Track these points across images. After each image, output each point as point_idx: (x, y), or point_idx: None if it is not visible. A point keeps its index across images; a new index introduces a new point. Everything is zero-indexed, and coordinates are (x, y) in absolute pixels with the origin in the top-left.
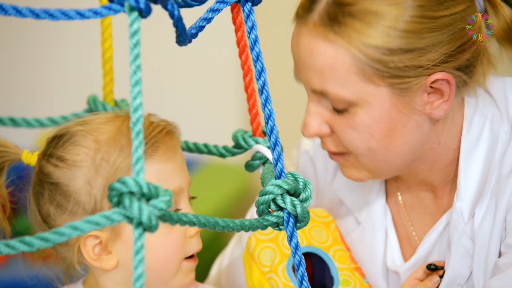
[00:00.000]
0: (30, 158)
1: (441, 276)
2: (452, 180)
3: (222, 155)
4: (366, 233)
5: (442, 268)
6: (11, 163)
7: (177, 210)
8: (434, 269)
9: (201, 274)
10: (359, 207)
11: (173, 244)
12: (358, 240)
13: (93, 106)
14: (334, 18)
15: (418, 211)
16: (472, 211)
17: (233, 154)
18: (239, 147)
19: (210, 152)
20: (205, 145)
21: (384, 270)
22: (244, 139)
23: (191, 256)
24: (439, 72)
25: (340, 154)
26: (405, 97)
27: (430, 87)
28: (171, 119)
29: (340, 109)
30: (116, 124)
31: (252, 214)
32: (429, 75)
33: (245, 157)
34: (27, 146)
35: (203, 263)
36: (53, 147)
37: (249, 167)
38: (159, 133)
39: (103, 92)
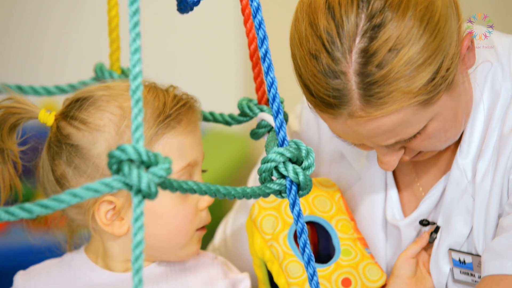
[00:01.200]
0: (47, 117)
1: (436, 232)
2: None
3: (227, 123)
4: (365, 187)
5: (435, 223)
6: (27, 120)
7: None
8: (426, 224)
9: (204, 238)
10: (360, 160)
11: (185, 215)
12: (358, 194)
13: (100, 74)
14: (378, 96)
15: (424, 161)
16: (475, 168)
17: (239, 122)
18: (244, 115)
19: (215, 120)
20: (211, 113)
21: (383, 224)
22: (249, 107)
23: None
24: (464, 43)
25: (413, 157)
26: (455, 84)
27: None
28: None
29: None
30: None
31: (254, 180)
32: (460, 51)
33: (247, 125)
34: None
35: (207, 227)
36: (76, 109)
37: (255, 135)
38: (183, 107)
39: (110, 60)
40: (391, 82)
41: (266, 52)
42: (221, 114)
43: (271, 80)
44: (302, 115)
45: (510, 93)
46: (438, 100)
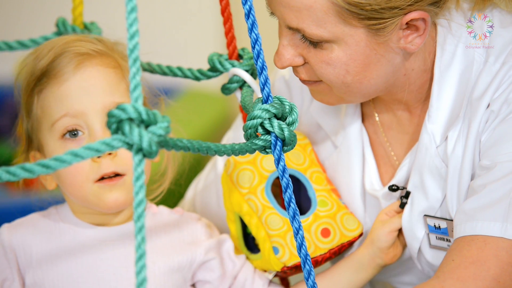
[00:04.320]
0: None
1: (406, 197)
2: (425, 99)
3: (196, 78)
4: (343, 157)
5: (404, 188)
6: None
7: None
8: (395, 189)
9: (180, 197)
10: (336, 130)
11: (72, 169)
12: (336, 164)
13: (62, 29)
14: None
15: (396, 129)
16: (445, 134)
17: (208, 77)
18: (214, 71)
19: (184, 76)
20: (179, 68)
21: (362, 193)
22: (220, 63)
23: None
24: (414, 11)
25: (311, 82)
26: (381, 37)
27: (406, 23)
28: (147, 43)
29: (315, 43)
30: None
31: (227, 140)
32: (405, 14)
33: (222, 83)
34: (6, 72)
35: (183, 187)
36: None
37: (226, 90)
38: (53, 62)
39: (73, 15)
40: None
41: (250, 9)
42: (190, 69)
43: (255, 37)
44: (274, 86)
45: (483, 58)
46: (353, 28)
